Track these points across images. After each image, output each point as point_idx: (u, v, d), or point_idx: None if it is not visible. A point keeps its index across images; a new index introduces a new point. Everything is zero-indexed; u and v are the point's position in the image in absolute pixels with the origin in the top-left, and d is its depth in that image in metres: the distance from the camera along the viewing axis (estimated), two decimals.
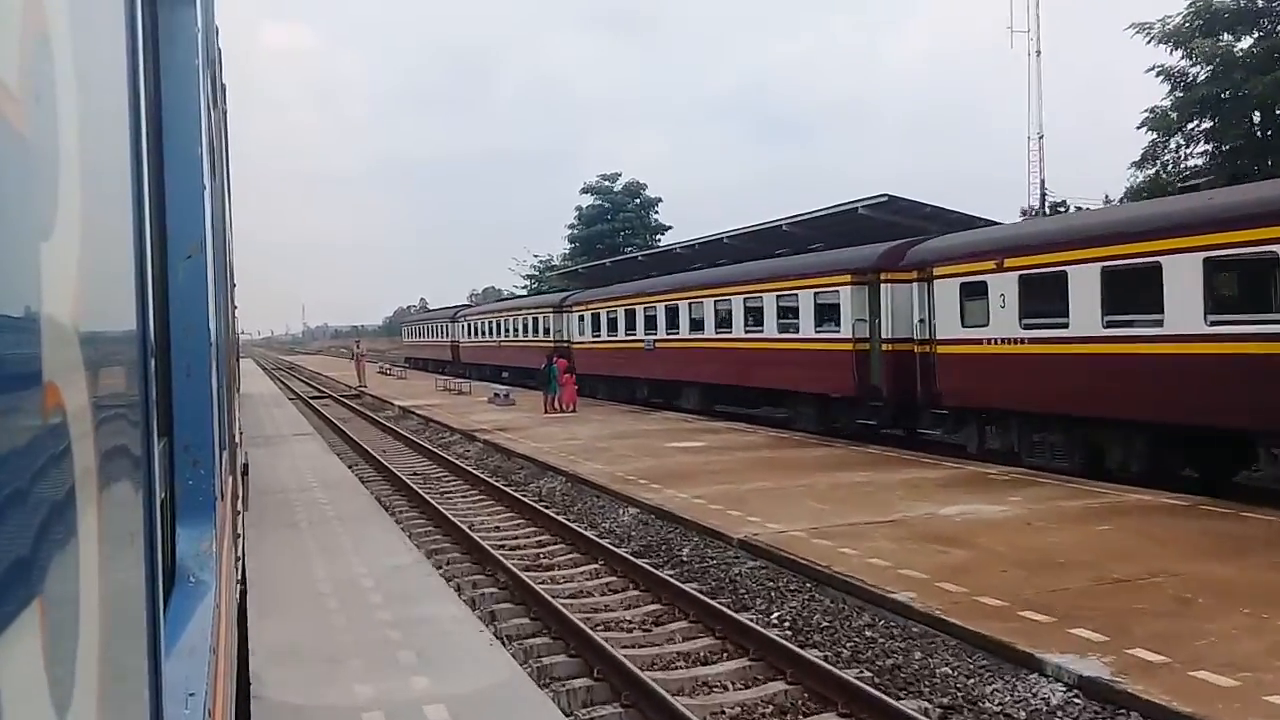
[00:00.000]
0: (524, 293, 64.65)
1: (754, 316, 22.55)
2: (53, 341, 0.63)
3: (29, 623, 0.56)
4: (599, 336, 32.23)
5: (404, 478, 16.32)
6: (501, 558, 10.43)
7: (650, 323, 27.96)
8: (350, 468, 17.56)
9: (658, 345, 27.40)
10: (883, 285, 18.14)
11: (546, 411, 25.94)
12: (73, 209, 0.72)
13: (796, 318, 20.69)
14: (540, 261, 67.69)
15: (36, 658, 0.58)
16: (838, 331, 19.13)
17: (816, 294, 19.98)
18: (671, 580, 9.27)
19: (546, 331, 36.88)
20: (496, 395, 30.89)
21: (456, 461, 18.41)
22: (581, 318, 33.90)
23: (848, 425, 19.09)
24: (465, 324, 51.09)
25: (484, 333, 46.57)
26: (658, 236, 61.62)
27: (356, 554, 9.90)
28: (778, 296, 21.52)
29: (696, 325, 25.25)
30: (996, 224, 19.62)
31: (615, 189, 63.86)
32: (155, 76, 2.18)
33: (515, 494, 14.51)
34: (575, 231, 64.01)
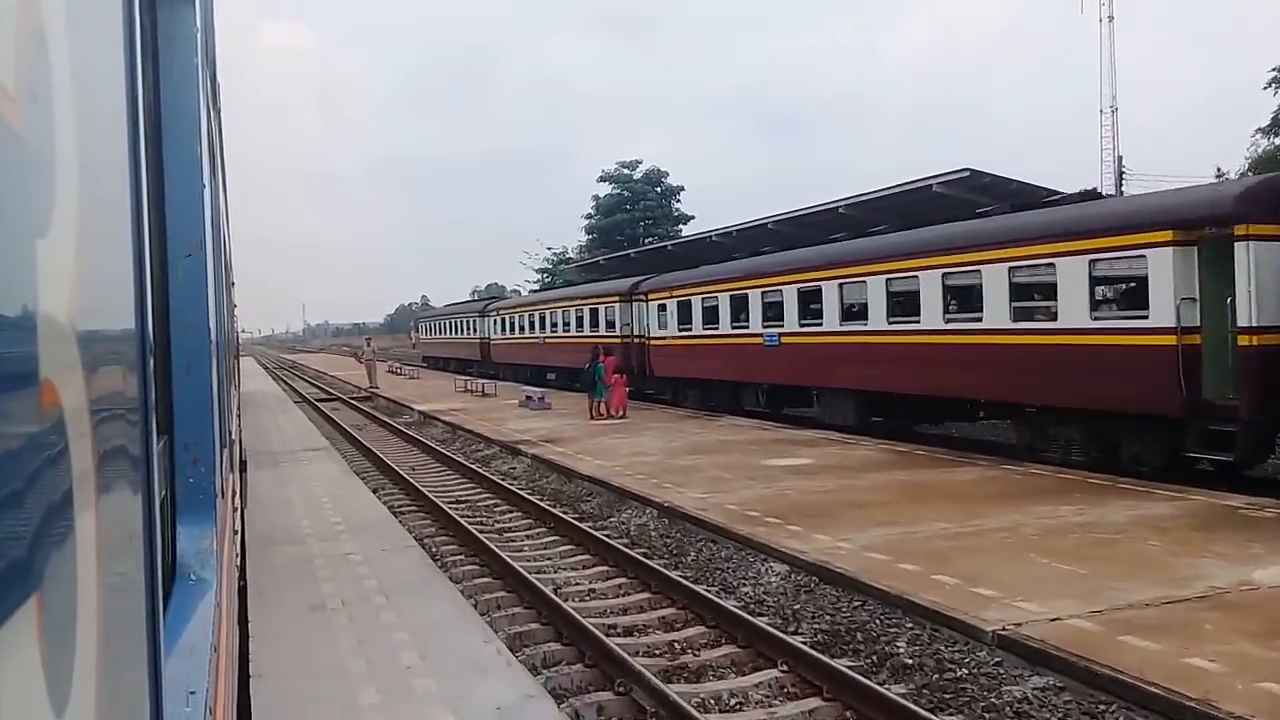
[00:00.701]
0: (536, 287, 60.56)
1: (960, 297, 16.19)
2: (51, 340, 0.63)
3: (28, 621, 0.56)
4: (689, 329, 25.03)
5: (445, 507, 12.96)
6: (628, 657, 6.88)
7: (772, 311, 21.18)
8: (377, 492, 14.45)
9: (785, 341, 20.64)
10: (1237, 245, 11.73)
11: (593, 418, 22.42)
12: (70, 208, 0.72)
13: (1053, 299, 14.03)
14: (554, 254, 64.75)
15: (35, 656, 0.58)
16: (1146, 318, 12.62)
17: (1095, 261, 13.30)
18: None
19: (610, 325, 29.88)
20: (530, 399, 27.02)
21: (503, 483, 15.14)
22: (663, 307, 26.45)
23: (1167, 464, 12.63)
24: (499, 319, 44.30)
25: (523, 328, 39.86)
26: (679, 227, 58.43)
27: (425, 672, 6.16)
28: (1010, 269, 14.66)
29: (851, 313, 18.59)
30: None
31: (634, 177, 60.67)
32: (155, 76, 2.18)
33: (595, 533, 11.16)
34: (593, 222, 60.90)
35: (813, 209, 22.73)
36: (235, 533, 4.18)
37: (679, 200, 61.34)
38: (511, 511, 13.48)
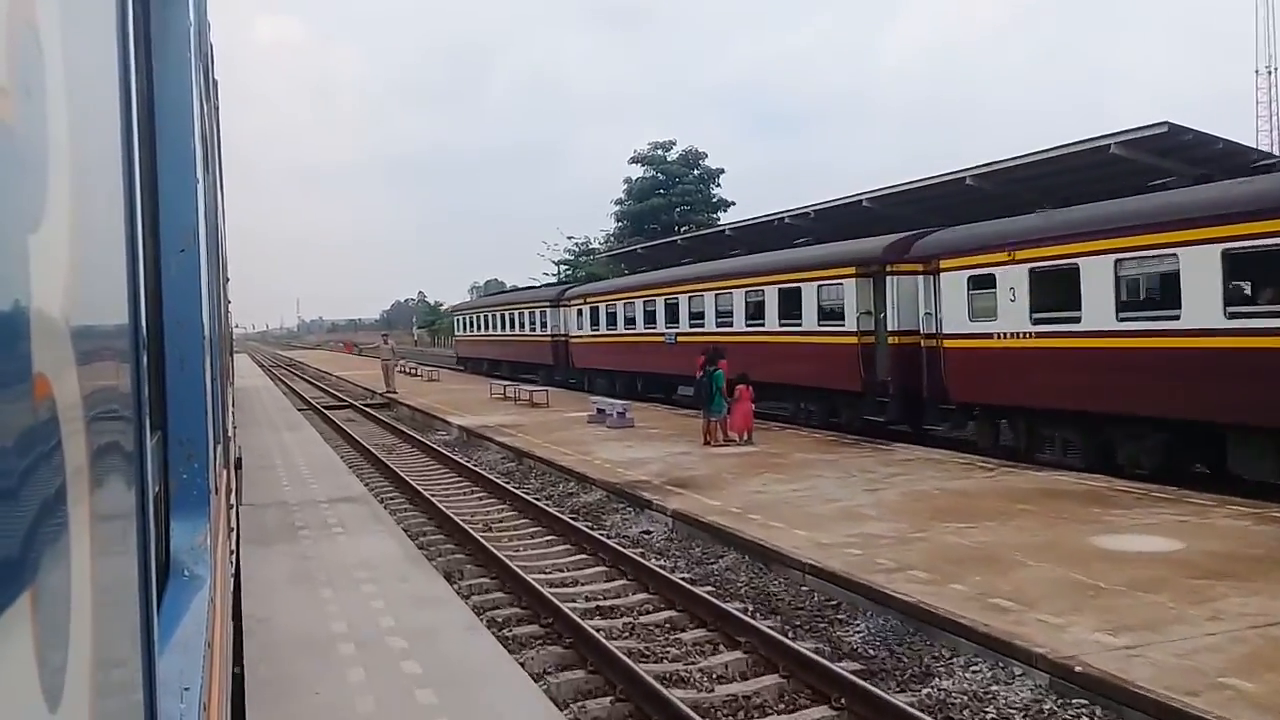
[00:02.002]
0: (553, 280, 53.70)
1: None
2: (43, 336, 0.63)
3: (22, 617, 0.56)
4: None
5: (599, 637, 7.52)
6: None
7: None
8: (482, 613, 8.36)
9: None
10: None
11: (710, 442, 17.00)
12: (62, 202, 0.71)
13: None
14: (576, 245, 58.98)
15: (29, 653, 0.58)
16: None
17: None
18: None
19: (831, 314, 19.54)
20: (603, 412, 21.00)
21: (665, 573, 9.45)
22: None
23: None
24: (585, 310, 32.74)
25: (628, 322, 29.41)
26: (716, 214, 52.46)
27: None
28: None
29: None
30: None
31: (669, 158, 54.41)
32: (148, 70, 2.17)
33: None
34: (624, 207, 54.69)
35: (937, 178, 19.65)
36: (230, 530, 4.17)
37: (718, 184, 54.88)
38: (717, 649, 7.58)
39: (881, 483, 12.91)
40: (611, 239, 55.50)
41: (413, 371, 43.76)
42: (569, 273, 55.72)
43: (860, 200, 21.97)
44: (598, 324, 31.79)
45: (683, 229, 46.66)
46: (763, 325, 21.45)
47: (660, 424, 20.85)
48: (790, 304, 20.38)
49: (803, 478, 13.51)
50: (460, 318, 54.20)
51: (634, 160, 55.21)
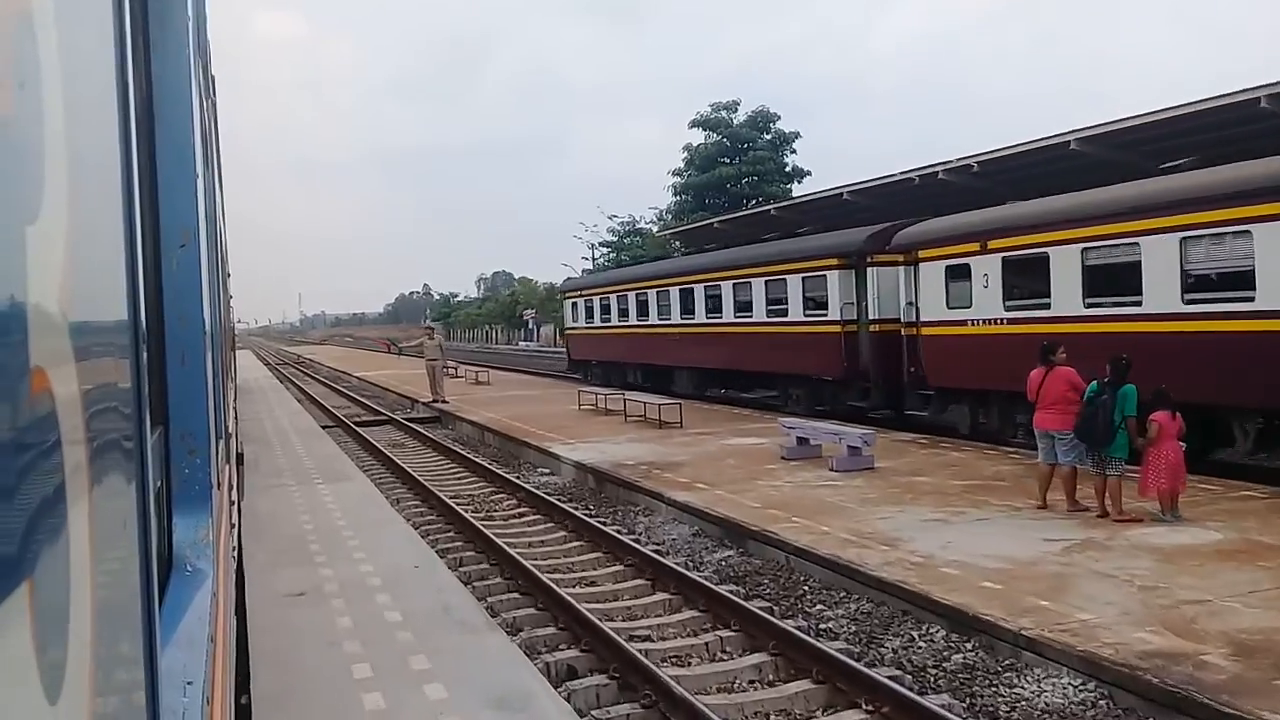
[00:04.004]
0: (589, 269, 47.65)
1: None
2: (42, 331, 0.63)
3: (23, 613, 0.56)
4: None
5: None
6: None
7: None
8: None
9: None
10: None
11: (1110, 514, 9.43)
12: (60, 197, 0.71)
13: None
14: (621, 224, 53.56)
15: (31, 648, 0.58)
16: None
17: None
18: None
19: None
20: (810, 442, 13.90)
21: None
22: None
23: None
24: (940, 269, 16.12)
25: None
26: (790, 185, 46.09)
27: None
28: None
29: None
30: None
31: (734, 121, 47.40)
32: (147, 65, 2.16)
33: None
34: (685, 179, 47.83)
35: (1032, 142, 16.99)
36: (232, 525, 4.18)
37: (794, 150, 47.65)
38: None
39: None
40: (668, 215, 49.49)
41: (453, 371, 33.06)
42: (612, 256, 50.79)
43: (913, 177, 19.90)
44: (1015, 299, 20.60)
45: (752, 202, 41.29)
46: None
47: (892, 458, 13.24)
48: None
49: None
50: (583, 301, 32.04)
51: (694, 124, 48.03)
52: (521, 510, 12.64)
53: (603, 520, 11.59)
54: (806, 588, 8.60)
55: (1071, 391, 9.85)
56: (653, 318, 27.10)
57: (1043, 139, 16.82)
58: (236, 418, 12.46)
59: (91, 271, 0.85)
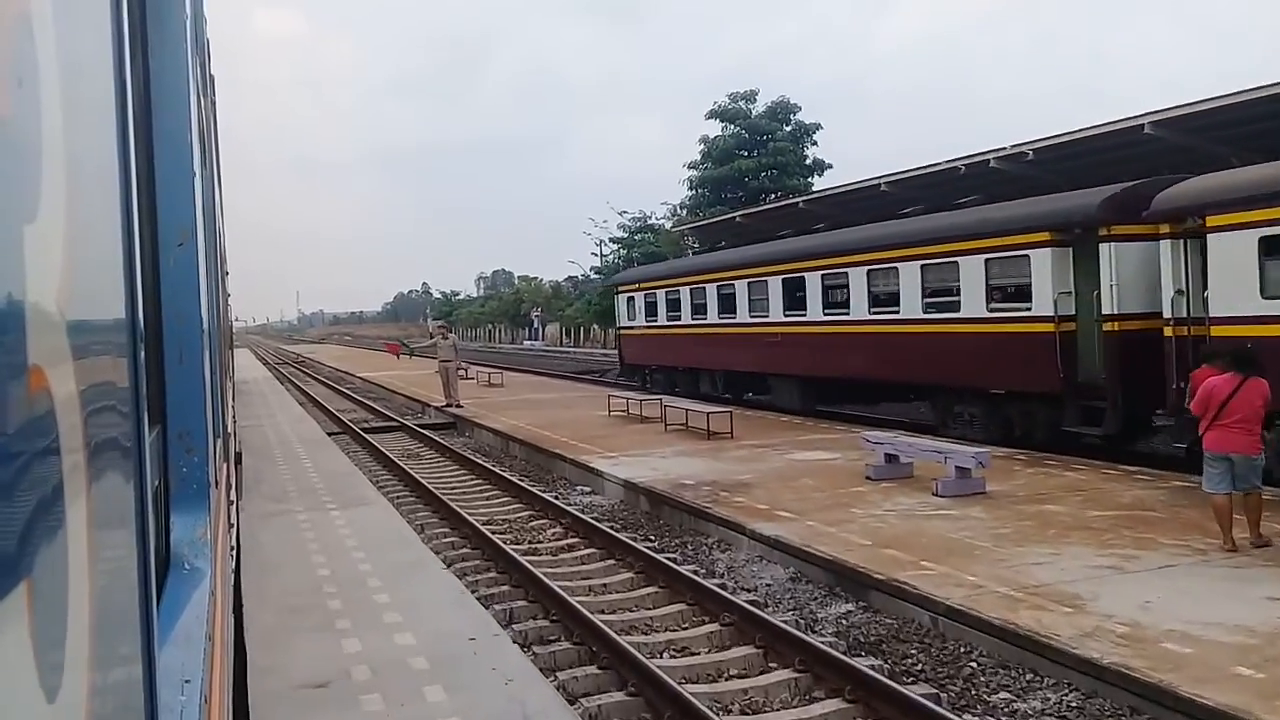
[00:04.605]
0: (598, 265, 47.41)
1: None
2: (40, 330, 0.63)
3: (21, 611, 0.56)
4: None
5: None
6: None
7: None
8: None
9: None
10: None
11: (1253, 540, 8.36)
12: (58, 196, 0.71)
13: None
14: (633, 220, 51.73)
15: (28, 646, 0.58)
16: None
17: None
18: None
19: None
20: (901, 459, 12.25)
21: None
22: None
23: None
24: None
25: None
26: (810, 180, 44.37)
27: None
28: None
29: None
30: None
31: (752, 112, 45.58)
32: (144, 63, 2.16)
33: None
34: (702, 172, 45.83)
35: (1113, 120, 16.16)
36: (230, 524, 4.18)
37: (815, 142, 45.67)
38: None
39: None
40: (682, 210, 47.99)
41: (464, 373, 30.12)
42: (623, 253, 49.61)
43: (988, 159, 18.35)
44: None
45: (771, 197, 39.51)
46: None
47: (1000, 480, 11.40)
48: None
49: None
50: (642, 296, 28.01)
51: (710, 115, 46.16)
52: (570, 541, 10.75)
53: (672, 557, 9.67)
54: (974, 665, 6.58)
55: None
56: (742, 314, 22.51)
57: (1112, 122, 15.94)
58: (234, 417, 12.39)
59: (89, 270, 0.85)
